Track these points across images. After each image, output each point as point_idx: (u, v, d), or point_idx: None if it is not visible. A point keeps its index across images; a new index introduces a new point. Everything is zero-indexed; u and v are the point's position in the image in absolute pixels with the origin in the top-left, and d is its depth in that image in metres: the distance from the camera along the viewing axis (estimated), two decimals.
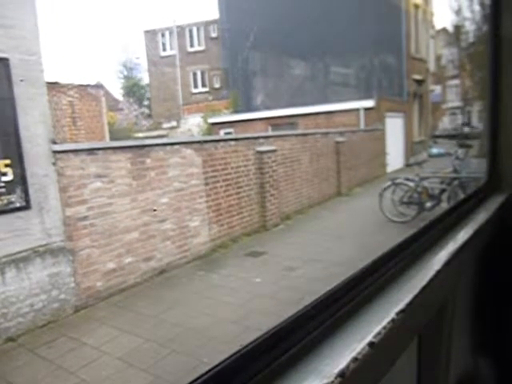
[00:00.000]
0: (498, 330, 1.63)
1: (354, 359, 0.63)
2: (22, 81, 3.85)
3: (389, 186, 7.25)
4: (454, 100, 28.31)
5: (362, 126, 13.13)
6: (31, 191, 4.03)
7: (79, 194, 4.45)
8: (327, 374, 0.60)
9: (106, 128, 11.28)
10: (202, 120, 17.88)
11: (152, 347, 3.54)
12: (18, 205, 3.95)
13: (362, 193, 10.31)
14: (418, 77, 16.89)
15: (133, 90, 24.50)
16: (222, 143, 6.58)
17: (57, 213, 4.24)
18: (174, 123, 19.19)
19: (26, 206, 4.01)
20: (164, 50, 23.69)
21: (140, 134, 16.61)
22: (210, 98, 21.67)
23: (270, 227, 7.21)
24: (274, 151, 7.40)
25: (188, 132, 17.69)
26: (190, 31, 23.30)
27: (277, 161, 7.51)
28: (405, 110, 15.65)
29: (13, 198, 3.90)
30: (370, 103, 13.26)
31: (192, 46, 23.38)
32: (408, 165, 11.78)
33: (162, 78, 23.30)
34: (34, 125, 4.08)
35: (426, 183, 7.12)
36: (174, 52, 23.29)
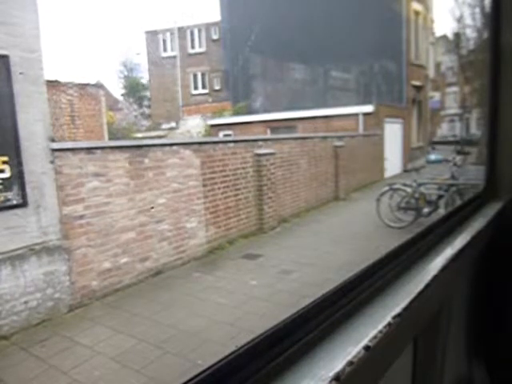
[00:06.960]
0: (493, 334, 1.63)
1: (350, 362, 0.63)
2: (21, 74, 3.83)
3: (386, 192, 7.26)
4: (452, 107, 28.45)
5: (361, 130, 13.16)
6: (28, 189, 4.01)
7: (76, 192, 4.43)
8: (322, 377, 0.60)
9: (105, 127, 11.26)
10: (201, 121, 17.88)
11: (146, 348, 3.52)
12: (14, 202, 3.93)
13: (359, 197, 10.32)
14: (417, 83, 16.96)
15: (132, 90, 24.53)
16: (220, 145, 6.58)
17: (53, 211, 4.23)
18: (173, 124, 19.19)
19: (23, 204, 3.99)
20: (165, 50, 23.74)
21: (139, 135, 16.60)
22: (210, 99, 21.71)
23: (267, 230, 7.20)
24: (272, 154, 7.40)
25: (187, 133, 17.68)
26: (192, 33, 23.36)
27: (275, 164, 7.51)
28: (403, 115, 15.70)
29: (10, 195, 3.89)
30: (369, 108, 13.31)
31: (193, 47, 23.44)
32: (406, 170, 11.81)
33: (163, 78, 23.33)
34: (33, 122, 4.06)
35: (423, 189, 7.13)
36: (175, 53, 23.34)
